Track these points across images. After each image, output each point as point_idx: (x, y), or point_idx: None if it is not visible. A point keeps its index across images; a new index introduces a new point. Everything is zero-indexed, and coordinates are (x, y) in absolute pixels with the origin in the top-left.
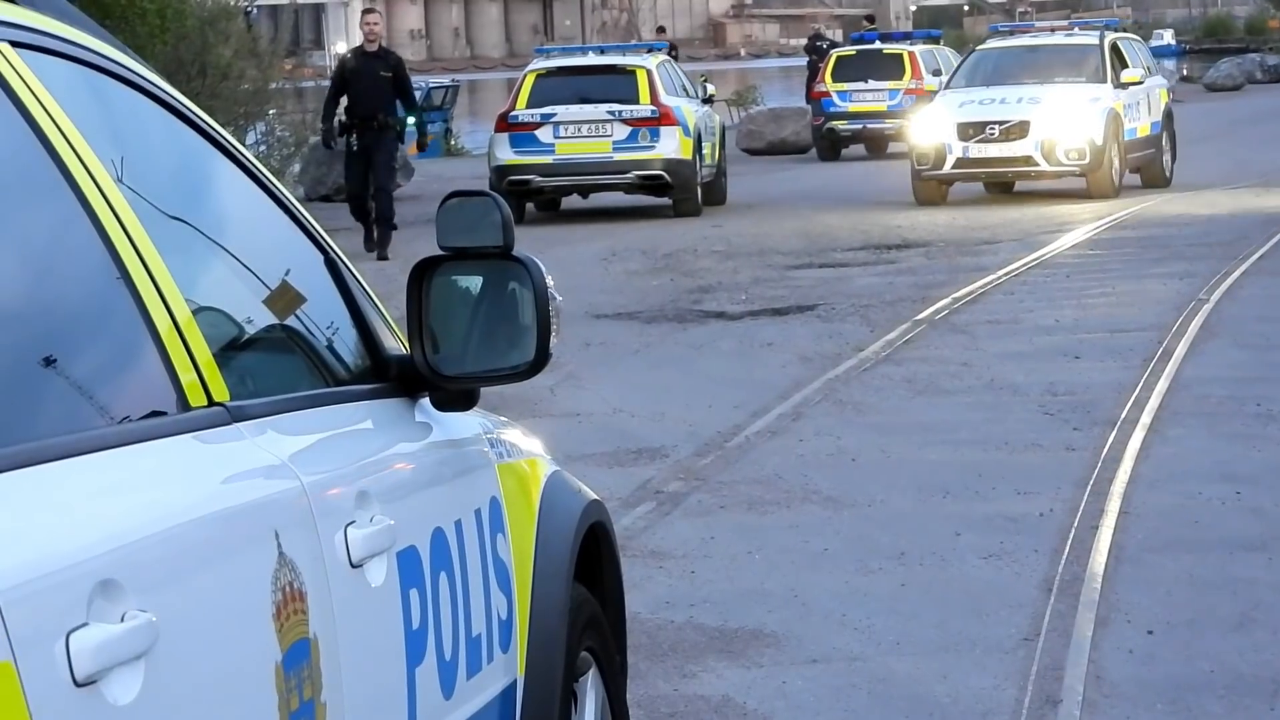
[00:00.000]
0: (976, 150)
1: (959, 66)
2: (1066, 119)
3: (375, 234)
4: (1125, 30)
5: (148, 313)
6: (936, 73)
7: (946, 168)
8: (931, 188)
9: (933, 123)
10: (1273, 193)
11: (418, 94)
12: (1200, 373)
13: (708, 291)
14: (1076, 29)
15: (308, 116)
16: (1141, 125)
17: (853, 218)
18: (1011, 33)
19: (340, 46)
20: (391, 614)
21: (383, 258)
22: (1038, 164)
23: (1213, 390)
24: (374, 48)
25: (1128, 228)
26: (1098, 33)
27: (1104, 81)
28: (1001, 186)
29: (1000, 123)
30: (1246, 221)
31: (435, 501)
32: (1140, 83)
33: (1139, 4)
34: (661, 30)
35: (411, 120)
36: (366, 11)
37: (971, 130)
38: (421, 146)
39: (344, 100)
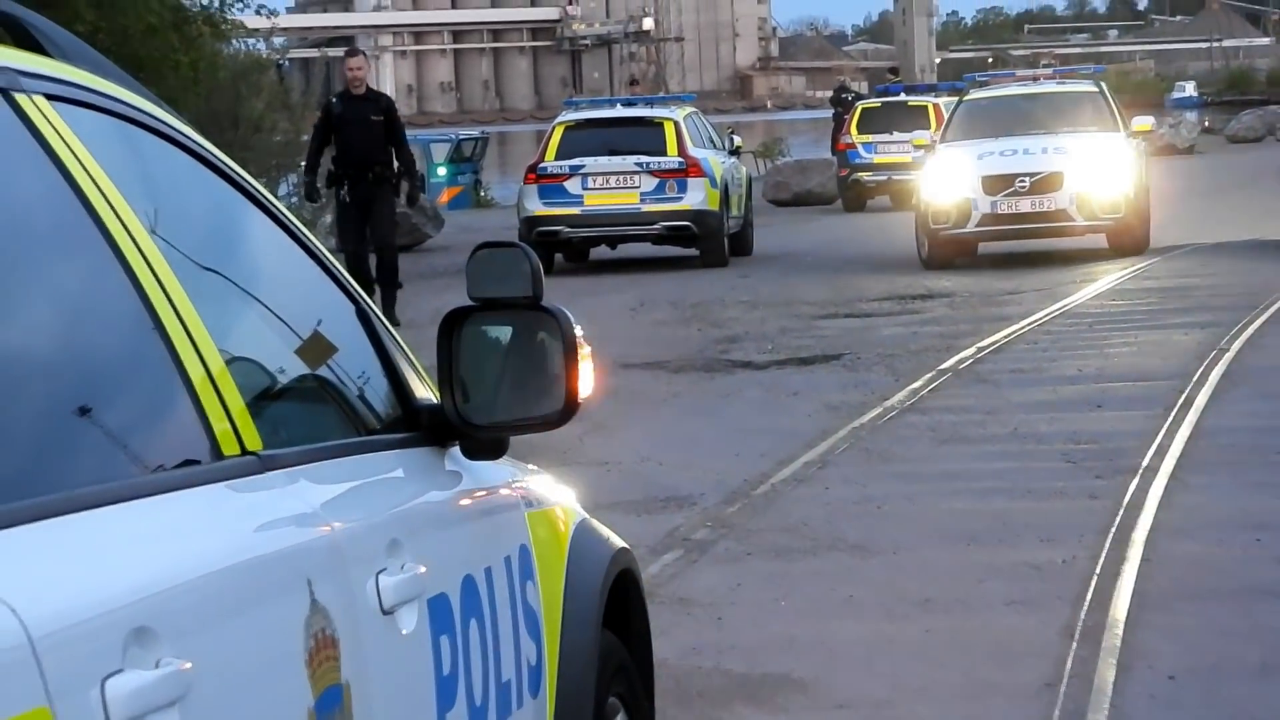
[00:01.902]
0: (1006, 205)
1: (951, 118)
2: (1101, 170)
3: (379, 296)
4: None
5: (181, 363)
6: None
7: (971, 225)
8: (950, 248)
9: (951, 177)
10: None
11: (446, 146)
12: (1222, 422)
13: (735, 341)
14: (1057, 74)
15: None
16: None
17: (878, 268)
18: (987, 83)
19: None
20: (422, 660)
21: (393, 322)
22: (1072, 218)
23: (1235, 439)
24: (360, 90)
25: (1150, 278)
26: (1090, 80)
27: (1116, 130)
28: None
29: (1031, 174)
30: (1269, 271)
31: (465, 549)
32: (1151, 131)
33: (1161, 56)
34: (634, 84)
35: (443, 171)
36: (349, 54)
37: (1000, 184)
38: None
39: (331, 150)
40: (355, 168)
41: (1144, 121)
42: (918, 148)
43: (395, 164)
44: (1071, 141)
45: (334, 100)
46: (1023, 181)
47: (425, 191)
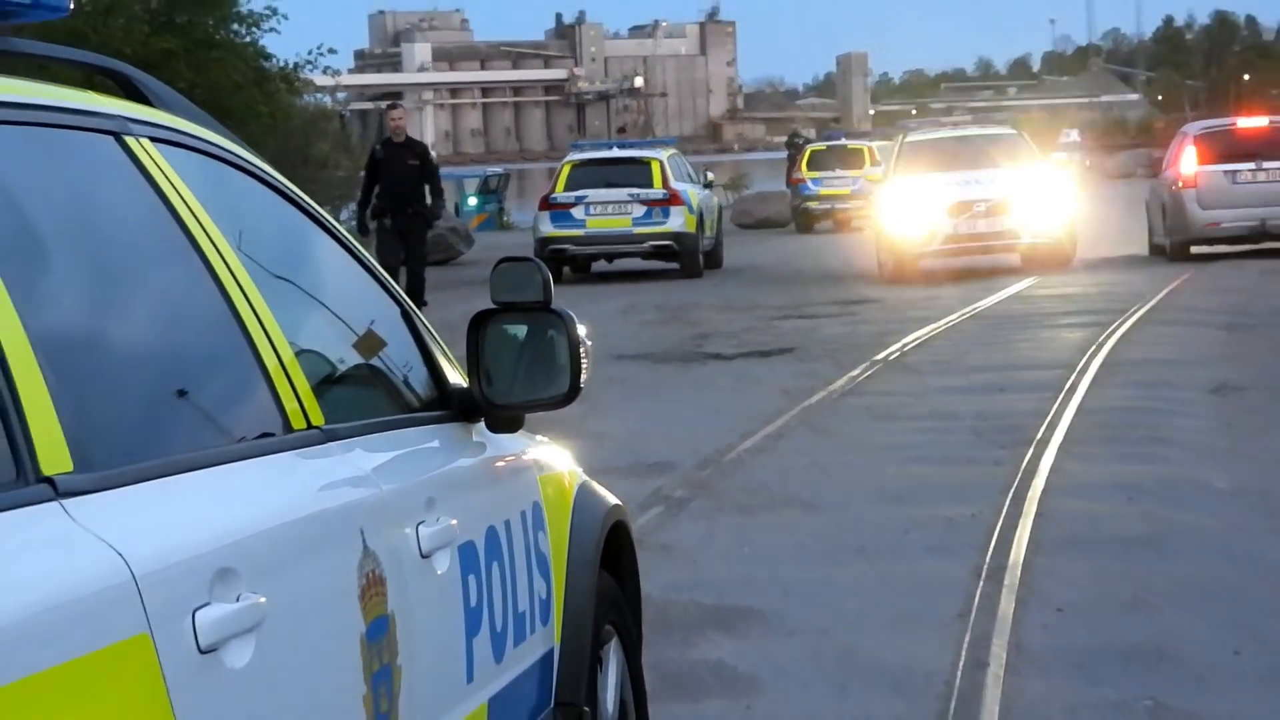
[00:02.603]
0: (966, 226)
1: (897, 155)
2: (1042, 195)
3: None
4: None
5: (259, 354)
6: None
7: (936, 244)
8: (913, 266)
9: (917, 204)
10: (1159, 259)
11: (476, 180)
12: (1101, 403)
13: (708, 338)
14: (975, 120)
15: None
16: None
17: (824, 279)
18: (916, 128)
19: None
20: (453, 595)
21: None
22: (1019, 237)
23: (1111, 418)
24: (400, 139)
25: (1043, 288)
26: (1006, 125)
27: (1040, 165)
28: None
29: (986, 201)
30: (1138, 282)
31: (488, 505)
32: (1068, 165)
33: (1051, 109)
34: (622, 130)
35: (473, 200)
36: (391, 106)
37: (960, 209)
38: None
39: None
40: (395, 203)
41: (1061, 157)
42: (872, 181)
43: (429, 198)
44: (1014, 173)
45: (378, 147)
46: (979, 207)
47: (440, 212)
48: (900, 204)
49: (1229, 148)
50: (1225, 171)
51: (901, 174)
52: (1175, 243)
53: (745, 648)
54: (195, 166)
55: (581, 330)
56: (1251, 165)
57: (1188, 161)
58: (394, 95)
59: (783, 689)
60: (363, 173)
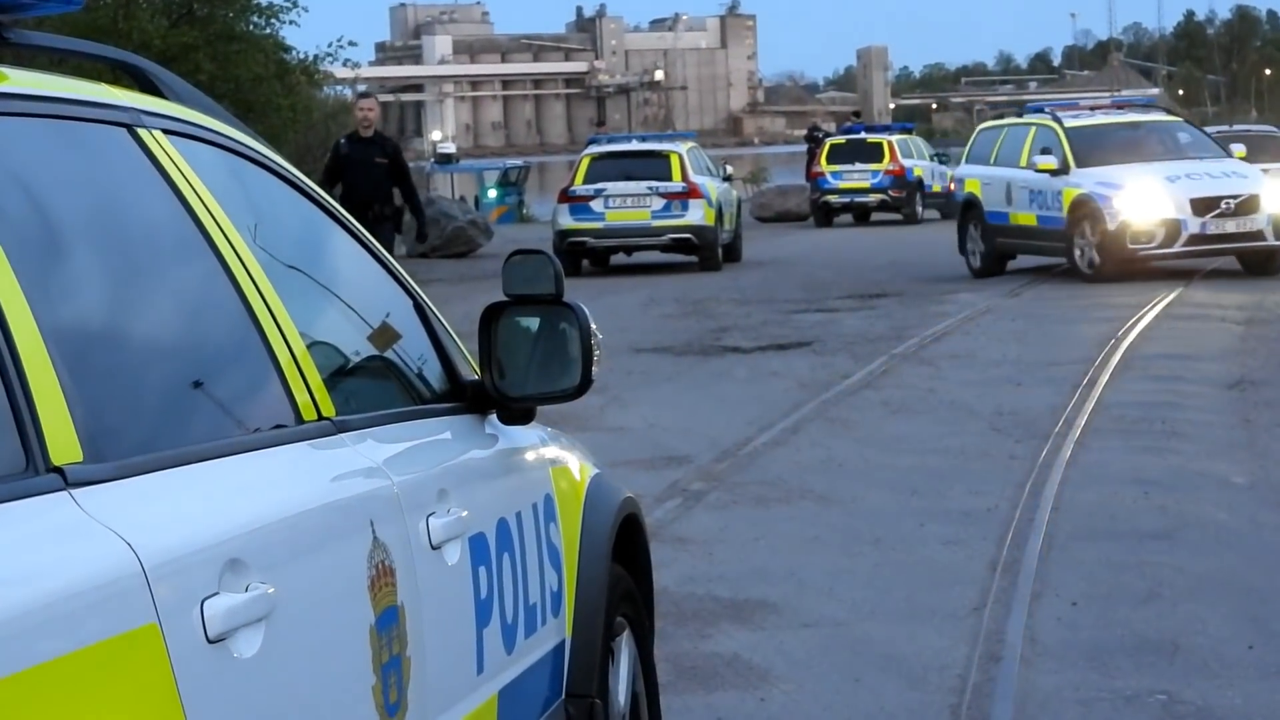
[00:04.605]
0: (1214, 226)
1: (1068, 144)
2: (1276, 190)
3: None
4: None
5: (270, 345)
6: (909, 157)
7: (1178, 245)
8: (1132, 264)
9: (1152, 199)
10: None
11: (496, 173)
12: (1117, 398)
13: (726, 331)
14: (1115, 103)
15: None
16: None
17: (842, 272)
18: (1043, 110)
19: (435, 134)
20: (464, 586)
21: None
22: (1266, 238)
23: (1127, 412)
24: (369, 133)
25: (1059, 283)
26: (1163, 109)
27: (1227, 156)
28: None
29: (1234, 197)
30: (1157, 278)
31: (500, 497)
32: (1245, 158)
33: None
34: (601, 124)
35: (493, 192)
36: (361, 95)
37: (1206, 206)
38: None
39: (340, 188)
40: (358, 206)
41: (1239, 148)
42: (1042, 171)
43: (398, 203)
44: (1242, 166)
45: (343, 141)
46: (1228, 204)
47: (428, 232)
48: (1139, 198)
49: None
50: None
51: (1085, 166)
52: None
53: (760, 639)
54: (208, 158)
55: (594, 325)
56: None
57: None
58: (416, 88)
59: (797, 681)
60: (423, 163)
